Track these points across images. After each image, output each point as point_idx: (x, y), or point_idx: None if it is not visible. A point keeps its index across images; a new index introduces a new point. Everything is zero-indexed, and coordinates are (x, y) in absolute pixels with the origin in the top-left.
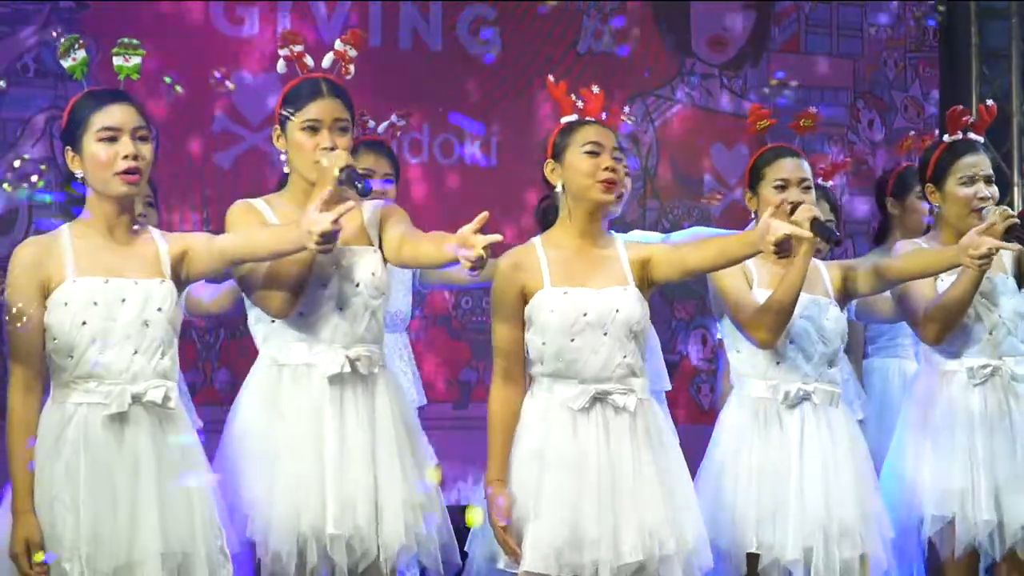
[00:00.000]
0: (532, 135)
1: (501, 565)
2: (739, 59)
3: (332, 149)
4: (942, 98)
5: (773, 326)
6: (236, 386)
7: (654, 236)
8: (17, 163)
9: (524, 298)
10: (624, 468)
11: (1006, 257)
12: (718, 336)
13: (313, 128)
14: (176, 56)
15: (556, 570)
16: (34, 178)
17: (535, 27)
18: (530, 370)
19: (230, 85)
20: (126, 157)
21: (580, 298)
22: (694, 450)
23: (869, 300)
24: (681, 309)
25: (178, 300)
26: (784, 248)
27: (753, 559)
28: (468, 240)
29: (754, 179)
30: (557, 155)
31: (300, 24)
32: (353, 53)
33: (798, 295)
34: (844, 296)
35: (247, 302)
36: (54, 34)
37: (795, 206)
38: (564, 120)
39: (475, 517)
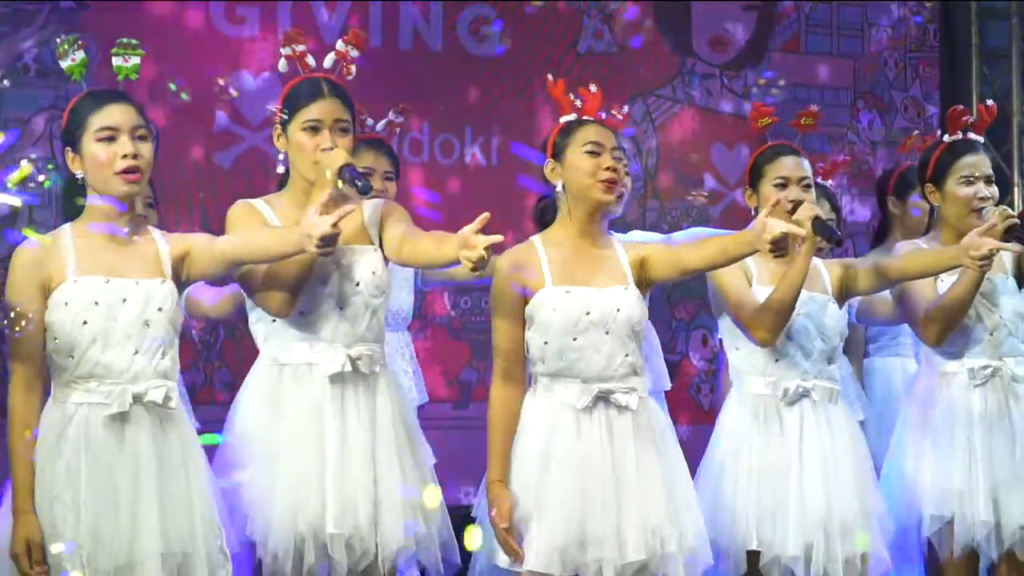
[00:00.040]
0: (533, 135)
1: (502, 563)
2: (740, 59)
3: (332, 149)
4: (942, 98)
5: (773, 325)
6: (236, 386)
7: (653, 236)
8: (25, 162)
9: (525, 297)
10: (628, 467)
11: (1006, 257)
12: (719, 336)
13: (314, 128)
14: (176, 56)
15: (559, 569)
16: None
17: (535, 27)
18: (530, 369)
19: (234, 92)
20: (125, 156)
21: (583, 297)
22: (694, 450)
23: (869, 302)
24: (681, 309)
25: (179, 300)
26: (780, 247)
27: (754, 557)
28: (469, 241)
29: (754, 177)
30: (557, 155)
31: (300, 24)
32: (355, 54)
33: (799, 294)
34: (843, 294)
35: (248, 303)
36: (58, 40)
37: (796, 204)
38: (563, 119)
39: (474, 539)
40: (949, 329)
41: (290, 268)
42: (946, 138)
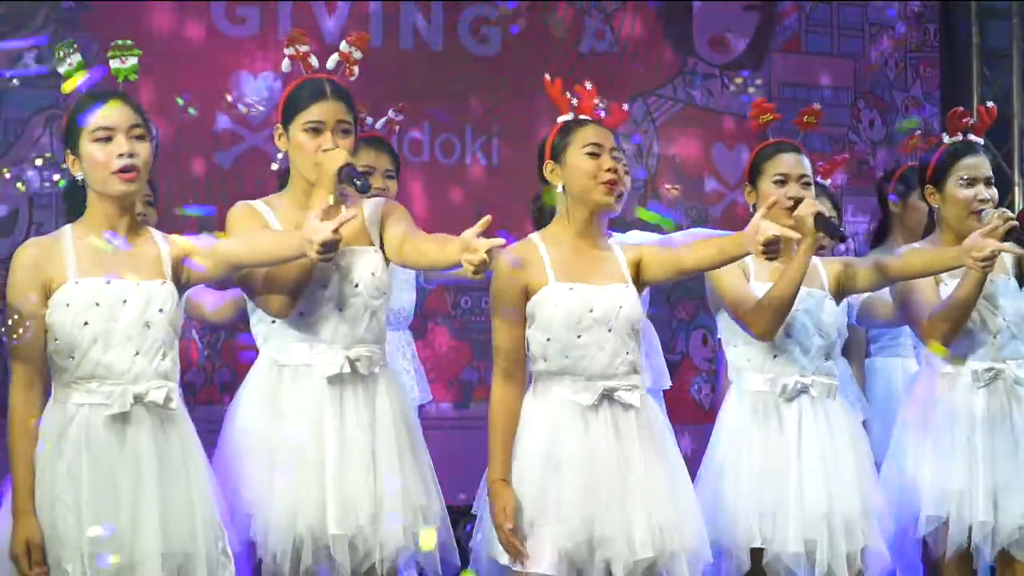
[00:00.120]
0: (533, 135)
1: (505, 561)
2: (741, 59)
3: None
4: (942, 98)
5: (771, 322)
6: (236, 386)
7: (652, 237)
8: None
9: (526, 294)
10: (634, 464)
11: (1007, 258)
12: (718, 335)
13: (315, 130)
14: (176, 56)
15: (568, 572)
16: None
17: (537, 27)
18: (530, 368)
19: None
20: (121, 155)
21: (586, 294)
22: (694, 450)
23: (869, 303)
24: (682, 309)
25: (179, 302)
26: (772, 249)
27: (757, 554)
28: (471, 244)
29: (754, 173)
30: (556, 156)
31: (300, 24)
32: (358, 55)
33: (797, 291)
34: (840, 292)
35: (249, 304)
36: (56, 47)
37: (797, 202)
38: (561, 120)
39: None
40: (955, 332)
41: (290, 270)
42: (946, 140)
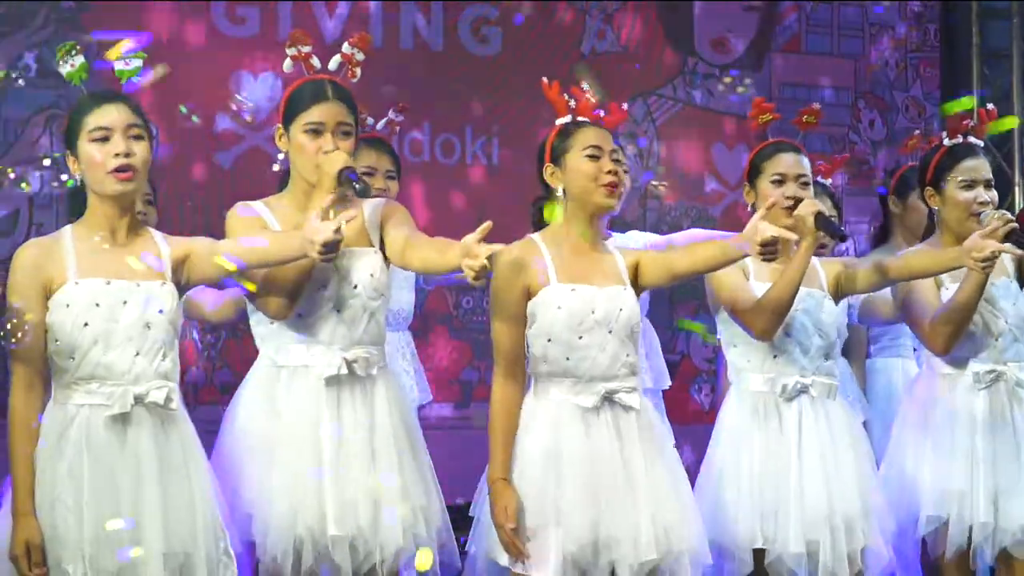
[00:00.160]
0: (534, 135)
1: (505, 562)
2: (741, 60)
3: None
4: (943, 98)
5: (771, 322)
6: (236, 386)
7: (652, 237)
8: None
9: (527, 294)
10: (636, 466)
11: (1007, 260)
12: (718, 336)
13: (316, 131)
14: (176, 56)
15: (573, 573)
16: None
17: (537, 27)
18: (531, 369)
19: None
20: (117, 155)
21: (587, 295)
22: (694, 450)
23: (870, 301)
24: (682, 309)
25: (179, 302)
26: (770, 250)
27: (759, 555)
28: (471, 250)
29: (753, 173)
30: (556, 159)
31: (300, 24)
32: (360, 57)
33: (797, 291)
34: (839, 293)
35: (249, 305)
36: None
37: (797, 202)
38: (559, 122)
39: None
40: (957, 334)
41: (289, 271)
42: (946, 141)
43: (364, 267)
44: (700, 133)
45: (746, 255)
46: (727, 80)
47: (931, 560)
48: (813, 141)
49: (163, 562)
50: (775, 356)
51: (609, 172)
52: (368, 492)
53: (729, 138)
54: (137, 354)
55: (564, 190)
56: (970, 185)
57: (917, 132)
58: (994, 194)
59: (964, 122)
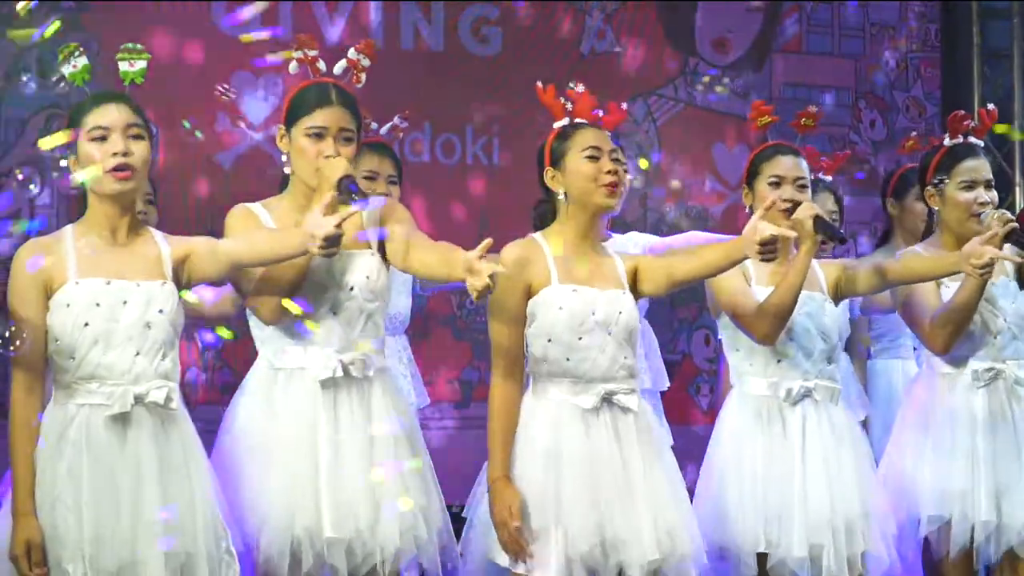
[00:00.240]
0: (534, 135)
1: (504, 563)
2: (742, 60)
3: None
4: (943, 98)
5: (773, 326)
6: (236, 386)
7: (652, 239)
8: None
9: (528, 294)
10: (636, 467)
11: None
12: (719, 338)
13: (318, 135)
14: (176, 56)
15: (583, 572)
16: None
17: (538, 27)
18: (530, 368)
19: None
20: (115, 154)
21: (588, 297)
22: (694, 450)
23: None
24: (683, 309)
25: (179, 302)
26: (769, 250)
27: (763, 559)
28: (474, 267)
29: (751, 175)
30: (555, 161)
31: (301, 24)
32: (366, 63)
33: (798, 295)
34: (839, 295)
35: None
36: (59, 49)
37: (795, 204)
38: (557, 125)
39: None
40: (956, 336)
41: (284, 273)
42: (946, 142)
43: (360, 269)
44: (700, 133)
45: (745, 257)
46: (727, 80)
47: (934, 561)
48: (813, 142)
49: (164, 562)
50: (778, 360)
51: (609, 172)
52: (366, 493)
53: (729, 139)
54: (137, 354)
55: (565, 193)
56: (970, 186)
57: (915, 133)
58: (994, 194)
59: (965, 123)
